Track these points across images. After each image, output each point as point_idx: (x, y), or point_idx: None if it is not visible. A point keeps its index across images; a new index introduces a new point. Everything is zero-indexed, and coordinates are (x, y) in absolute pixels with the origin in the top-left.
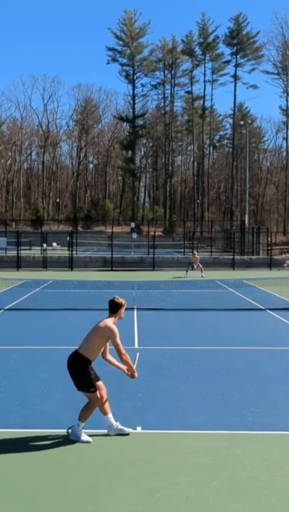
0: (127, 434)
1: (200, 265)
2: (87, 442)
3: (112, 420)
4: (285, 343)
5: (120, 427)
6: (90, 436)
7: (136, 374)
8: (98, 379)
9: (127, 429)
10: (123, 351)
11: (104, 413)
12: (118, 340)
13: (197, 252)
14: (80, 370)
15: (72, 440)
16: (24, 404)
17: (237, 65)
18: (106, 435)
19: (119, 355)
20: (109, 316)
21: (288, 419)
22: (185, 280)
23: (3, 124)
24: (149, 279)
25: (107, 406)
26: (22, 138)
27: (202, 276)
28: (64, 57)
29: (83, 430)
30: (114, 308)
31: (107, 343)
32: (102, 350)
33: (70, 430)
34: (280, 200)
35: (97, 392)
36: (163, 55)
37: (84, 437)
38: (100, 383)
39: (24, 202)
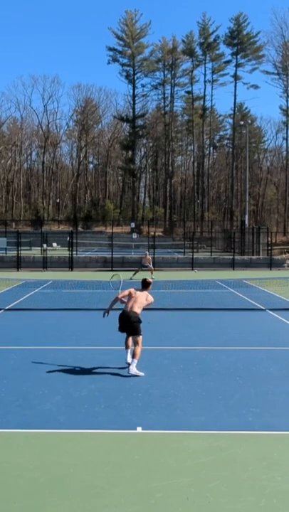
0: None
1: (151, 267)
2: (141, 375)
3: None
4: (285, 343)
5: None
6: (89, 436)
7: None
8: None
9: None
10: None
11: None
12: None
13: (148, 253)
14: (139, 322)
15: (72, 440)
16: (24, 404)
17: (237, 65)
18: (106, 435)
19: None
20: (145, 290)
21: (288, 419)
22: (185, 280)
23: (3, 124)
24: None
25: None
26: (22, 138)
27: (152, 278)
28: (64, 57)
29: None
30: (148, 285)
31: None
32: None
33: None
34: (280, 200)
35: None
36: (163, 55)
37: (138, 372)
38: None
39: (24, 202)
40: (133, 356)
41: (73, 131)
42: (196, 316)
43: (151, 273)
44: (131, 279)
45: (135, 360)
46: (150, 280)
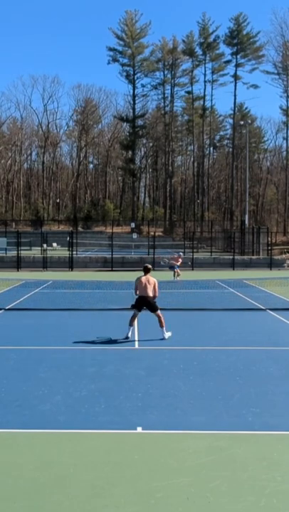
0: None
1: (177, 269)
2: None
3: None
4: (285, 343)
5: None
6: (89, 436)
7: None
8: None
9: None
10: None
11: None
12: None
13: (182, 253)
14: (155, 302)
15: (72, 440)
16: (24, 404)
17: (237, 65)
18: (106, 435)
19: (156, 295)
20: (148, 274)
21: (288, 419)
22: (185, 280)
23: (3, 124)
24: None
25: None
26: (22, 138)
27: (175, 280)
28: (64, 57)
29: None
30: (150, 270)
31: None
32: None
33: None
34: (280, 200)
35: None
36: (163, 55)
37: (166, 334)
38: None
39: (24, 202)
40: (161, 325)
41: (73, 131)
42: (196, 316)
43: (175, 275)
44: (176, 279)
45: (164, 328)
46: (150, 266)
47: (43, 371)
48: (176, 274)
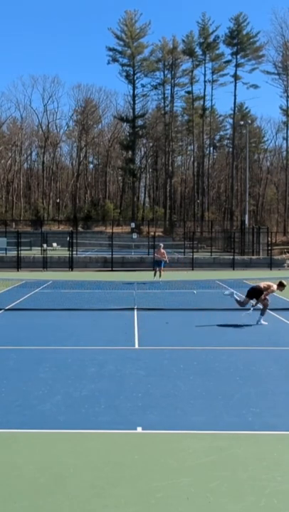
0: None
1: (162, 265)
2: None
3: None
4: (285, 343)
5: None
6: (89, 436)
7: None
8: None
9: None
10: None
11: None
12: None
13: (162, 246)
14: (260, 293)
15: (72, 440)
16: (24, 404)
17: (237, 65)
18: (106, 435)
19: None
20: (277, 287)
21: (288, 419)
22: (185, 280)
23: (3, 124)
24: (149, 279)
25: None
26: (22, 138)
27: (159, 281)
28: (64, 57)
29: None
30: (282, 286)
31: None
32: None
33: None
34: (280, 200)
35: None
36: (163, 55)
37: (263, 322)
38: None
39: (24, 202)
40: (261, 313)
41: (73, 131)
42: (196, 316)
43: (160, 275)
44: (154, 279)
45: (262, 317)
46: (285, 283)
47: (43, 371)
48: (160, 273)
